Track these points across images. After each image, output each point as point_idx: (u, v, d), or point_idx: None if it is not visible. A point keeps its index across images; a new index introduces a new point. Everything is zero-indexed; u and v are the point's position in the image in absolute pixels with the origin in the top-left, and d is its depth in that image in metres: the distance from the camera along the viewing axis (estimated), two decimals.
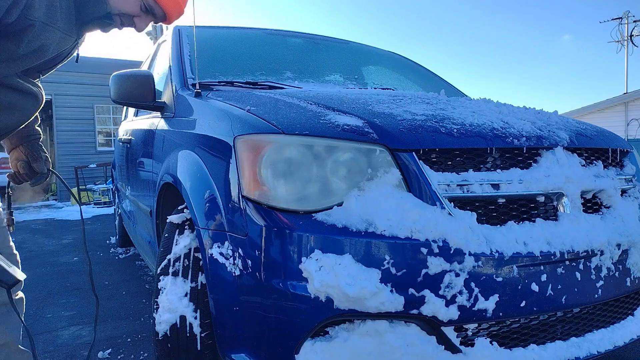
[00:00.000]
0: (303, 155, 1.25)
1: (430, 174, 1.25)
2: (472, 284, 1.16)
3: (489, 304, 1.17)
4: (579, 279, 1.29)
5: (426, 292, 1.14)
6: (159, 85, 2.26)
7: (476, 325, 1.23)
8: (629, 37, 16.76)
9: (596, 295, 1.33)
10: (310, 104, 1.53)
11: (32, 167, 1.58)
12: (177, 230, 1.57)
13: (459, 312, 1.15)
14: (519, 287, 1.21)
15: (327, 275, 1.12)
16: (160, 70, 2.58)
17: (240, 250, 1.25)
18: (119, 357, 2.12)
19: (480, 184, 1.28)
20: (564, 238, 1.29)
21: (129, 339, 2.31)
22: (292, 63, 2.53)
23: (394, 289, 1.13)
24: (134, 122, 3.10)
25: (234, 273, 1.26)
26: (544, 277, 1.23)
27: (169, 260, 1.52)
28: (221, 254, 1.30)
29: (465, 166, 1.31)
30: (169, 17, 1.44)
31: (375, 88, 2.46)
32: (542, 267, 1.23)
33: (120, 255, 4.27)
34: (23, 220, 7.20)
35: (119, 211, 4.15)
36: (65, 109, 10.88)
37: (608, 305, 1.48)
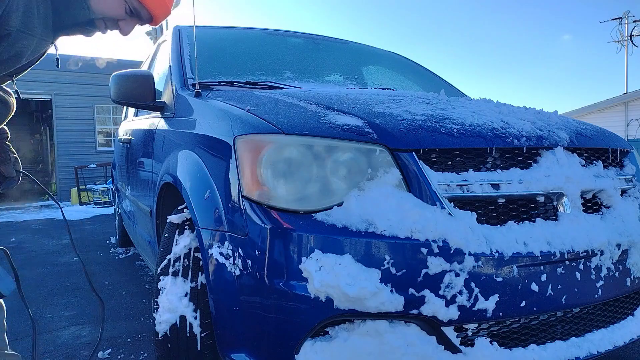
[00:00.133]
0: (303, 155, 1.25)
1: (430, 174, 1.25)
2: (472, 284, 1.16)
3: (489, 304, 1.17)
4: (579, 279, 1.29)
5: (426, 292, 1.14)
6: (159, 85, 2.26)
7: (476, 325, 1.23)
8: (629, 37, 16.76)
9: (596, 295, 1.34)
10: (310, 104, 1.53)
11: None
12: (177, 230, 1.57)
13: (459, 312, 1.15)
14: (519, 287, 1.21)
15: (327, 275, 1.12)
16: (160, 70, 2.58)
17: (240, 250, 1.25)
18: (119, 357, 2.12)
19: (480, 184, 1.27)
20: (564, 238, 1.29)
21: (129, 339, 2.31)
22: (292, 63, 2.53)
23: (394, 289, 1.13)
24: (134, 122, 3.10)
25: (234, 273, 1.26)
26: (544, 277, 1.23)
27: (169, 260, 1.52)
28: (221, 254, 1.30)
29: (465, 166, 1.31)
30: (155, 18, 1.38)
31: (375, 88, 2.45)
32: (542, 267, 1.23)
33: (120, 255, 4.27)
34: (23, 220, 7.19)
35: (119, 211, 4.16)
36: (65, 109, 10.87)
37: (608, 305, 1.48)
